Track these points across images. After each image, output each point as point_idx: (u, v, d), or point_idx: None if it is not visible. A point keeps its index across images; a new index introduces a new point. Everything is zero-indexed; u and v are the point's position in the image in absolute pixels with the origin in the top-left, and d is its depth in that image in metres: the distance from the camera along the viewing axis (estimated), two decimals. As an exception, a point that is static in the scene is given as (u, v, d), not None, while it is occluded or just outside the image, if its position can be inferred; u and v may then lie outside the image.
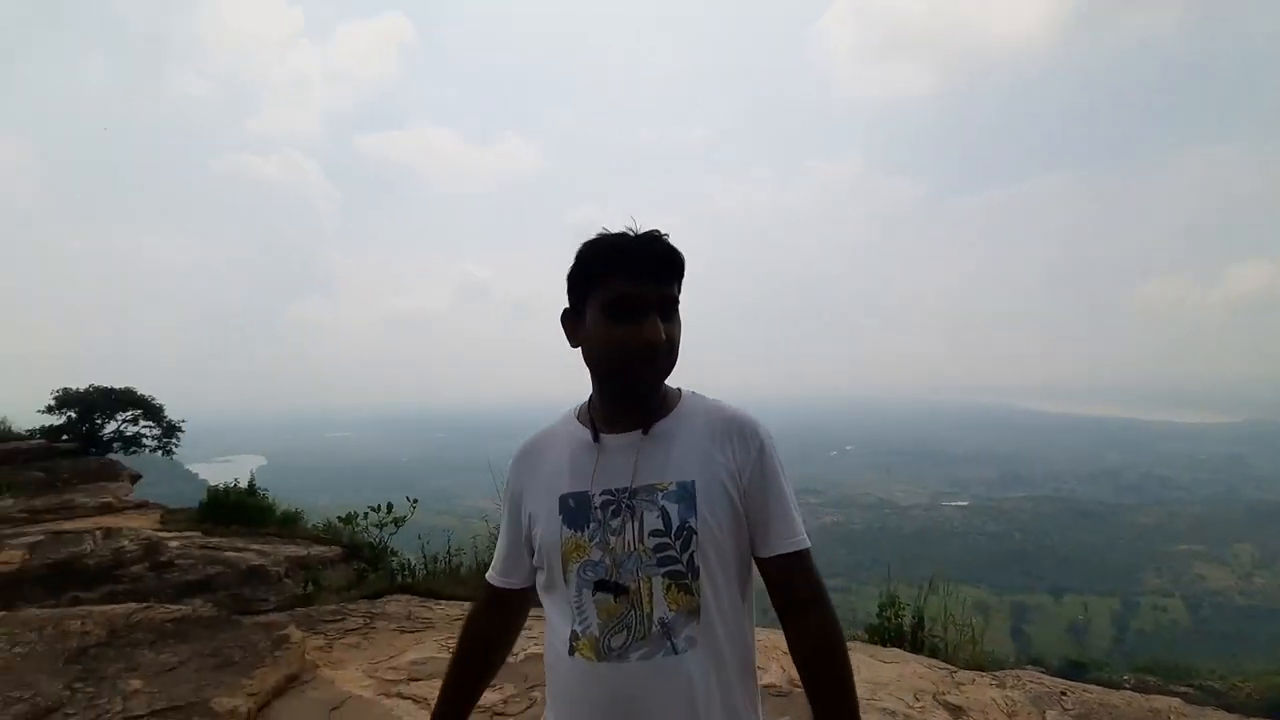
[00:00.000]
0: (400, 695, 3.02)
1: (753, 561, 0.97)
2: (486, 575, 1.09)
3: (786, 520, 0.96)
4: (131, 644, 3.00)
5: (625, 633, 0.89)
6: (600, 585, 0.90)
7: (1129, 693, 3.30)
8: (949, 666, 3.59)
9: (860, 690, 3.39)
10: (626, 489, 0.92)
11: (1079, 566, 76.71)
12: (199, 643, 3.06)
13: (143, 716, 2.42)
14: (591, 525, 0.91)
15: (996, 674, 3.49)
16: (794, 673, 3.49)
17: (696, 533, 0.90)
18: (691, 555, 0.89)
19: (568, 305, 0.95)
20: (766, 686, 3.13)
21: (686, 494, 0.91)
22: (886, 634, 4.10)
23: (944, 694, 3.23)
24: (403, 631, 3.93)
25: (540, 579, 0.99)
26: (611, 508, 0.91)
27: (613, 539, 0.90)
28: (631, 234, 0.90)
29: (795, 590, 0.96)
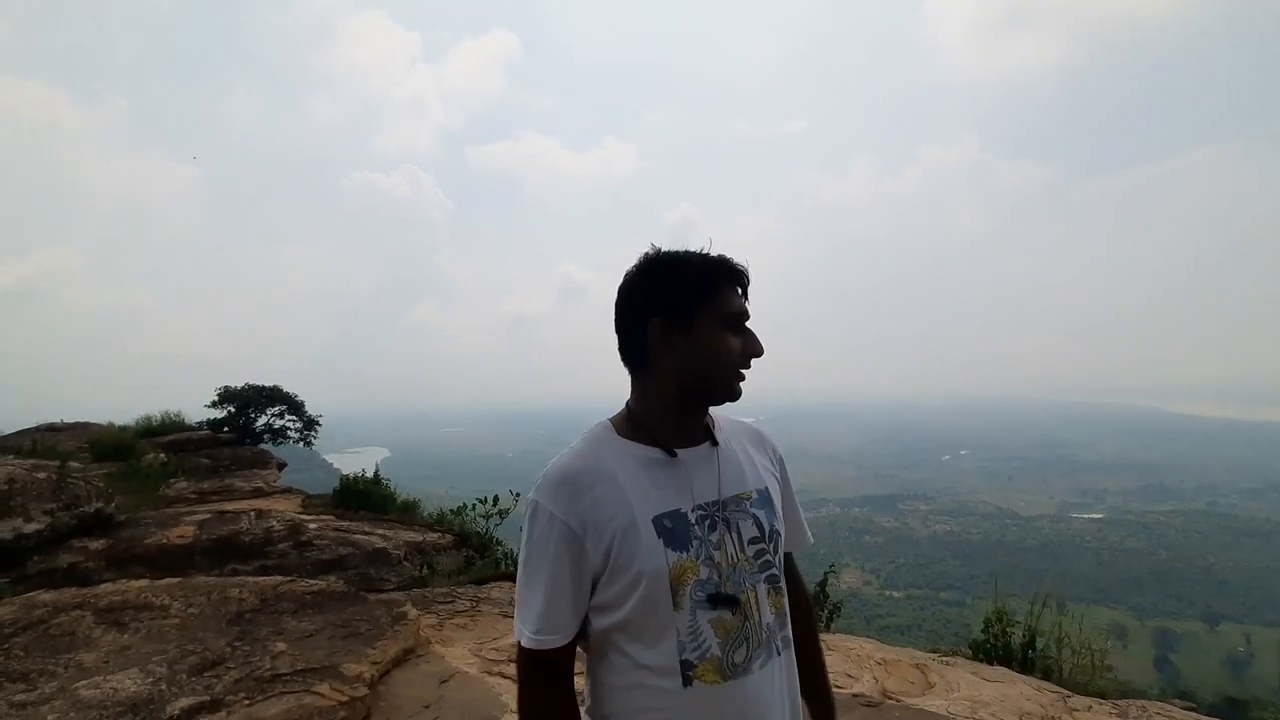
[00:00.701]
0: (501, 675, 3.26)
1: None
2: (525, 644, 0.89)
3: (801, 518, 1.09)
4: (278, 611, 3.44)
5: (745, 646, 0.90)
6: (715, 600, 0.88)
7: (1278, 735, 2.96)
8: (1062, 691, 3.37)
9: (959, 708, 3.26)
10: (717, 501, 0.93)
11: (1240, 592, 67.58)
12: (332, 614, 3.46)
13: (286, 675, 2.78)
14: (694, 543, 0.89)
15: (1119, 703, 3.24)
16: (886, 684, 3.42)
17: (780, 534, 0.99)
18: (779, 558, 0.98)
19: (659, 315, 0.92)
20: (856, 696, 3.09)
21: (767, 499, 0.99)
22: (993, 651, 3.90)
23: (1053, 718, 3.05)
24: (504, 616, 4.22)
25: (620, 616, 0.88)
26: (707, 522, 0.91)
27: (716, 553, 0.90)
28: (726, 256, 0.95)
29: (799, 579, 1.13)
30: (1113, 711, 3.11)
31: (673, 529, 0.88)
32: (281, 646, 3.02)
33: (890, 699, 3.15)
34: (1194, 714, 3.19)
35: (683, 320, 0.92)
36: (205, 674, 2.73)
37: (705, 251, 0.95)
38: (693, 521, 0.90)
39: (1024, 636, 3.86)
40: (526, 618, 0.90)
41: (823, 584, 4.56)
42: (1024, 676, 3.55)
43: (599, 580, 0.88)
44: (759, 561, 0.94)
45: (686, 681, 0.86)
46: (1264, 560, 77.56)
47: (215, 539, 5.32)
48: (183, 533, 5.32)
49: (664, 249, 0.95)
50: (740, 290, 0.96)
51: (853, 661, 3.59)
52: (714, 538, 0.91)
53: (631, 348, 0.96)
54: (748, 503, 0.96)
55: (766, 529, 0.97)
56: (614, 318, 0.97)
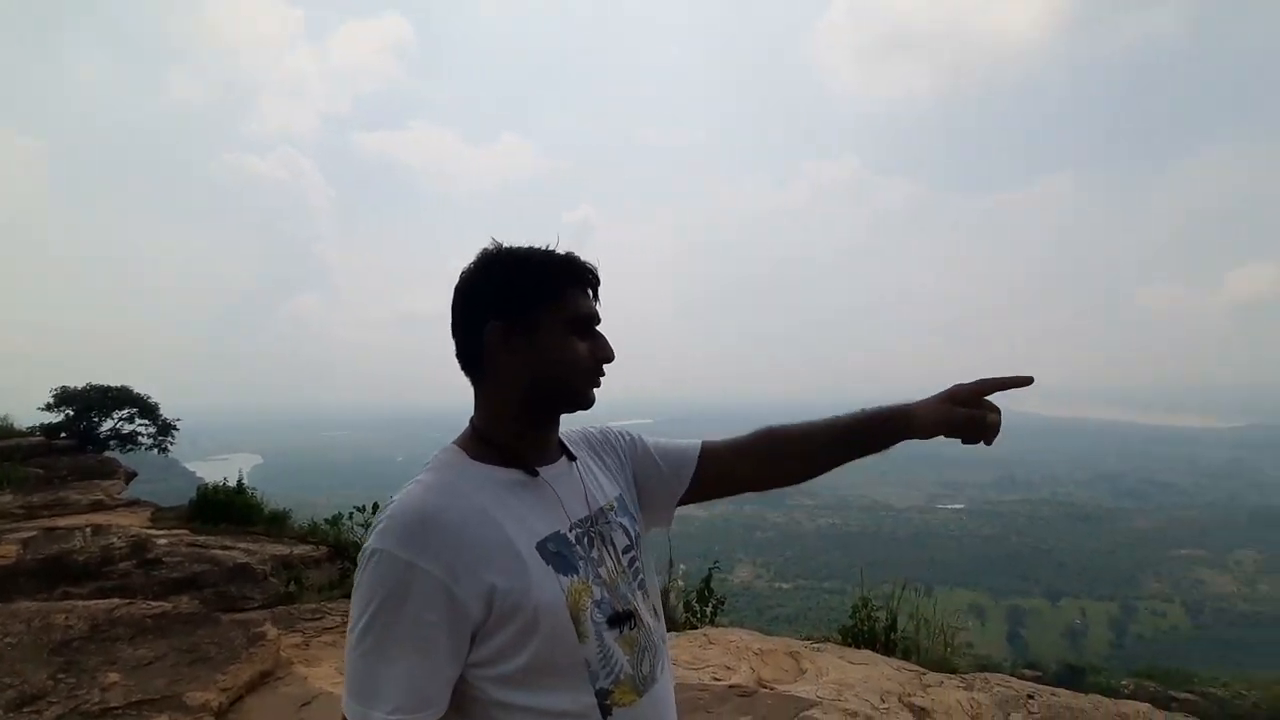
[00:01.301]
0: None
1: None
2: None
3: (680, 445, 1.08)
4: (111, 638, 3.08)
5: (647, 655, 0.87)
6: (615, 620, 0.84)
7: (1097, 696, 3.35)
8: (919, 669, 3.65)
9: (827, 691, 3.44)
10: (588, 516, 0.90)
11: (1076, 571, 76.72)
12: (177, 638, 3.14)
13: (119, 708, 2.49)
14: (581, 564, 0.84)
15: (965, 677, 3.55)
16: (762, 673, 3.56)
17: (642, 536, 0.98)
18: (645, 559, 0.96)
19: (498, 317, 0.85)
20: (732, 687, 3.20)
21: (624, 505, 0.98)
22: (859, 635, 4.17)
23: (910, 696, 3.29)
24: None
25: (515, 666, 0.75)
26: (585, 539, 0.87)
27: (601, 570, 0.86)
28: (574, 255, 0.90)
29: (728, 442, 1.09)
30: (960, 684, 3.40)
31: (558, 553, 0.82)
32: (114, 677, 2.71)
33: (765, 687, 3.28)
34: (1031, 683, 3.55)
35: (525, 323, 0.85)
36: (24, 709, 2.41)
37: (551, 249, 0.88)
38: (573, 541, 0.85)
39: (887, 620, 4.16)
40: (382, 695, 0.70)
41: (707, 580, 4.69)
42: (886, 658, 3.81)
43: (479, 632, 0.75)
44: (632, 569, 0.92)
45: (605, 712, 0.80)
46: (1094, 542, 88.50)
47: (43, 559, 4.70)
48: (4, 552, 4.66)
49: (505, 245, 0.88)
50: (590, 292, 0.90)
51: (732, 653, 3.71)
52: (595, 554, 0.87)
53: (469, 353, 0.89)
54: (613, 513, 0.94)
55: (633, 534, 0.96)
56: (451, 320, 0.89)
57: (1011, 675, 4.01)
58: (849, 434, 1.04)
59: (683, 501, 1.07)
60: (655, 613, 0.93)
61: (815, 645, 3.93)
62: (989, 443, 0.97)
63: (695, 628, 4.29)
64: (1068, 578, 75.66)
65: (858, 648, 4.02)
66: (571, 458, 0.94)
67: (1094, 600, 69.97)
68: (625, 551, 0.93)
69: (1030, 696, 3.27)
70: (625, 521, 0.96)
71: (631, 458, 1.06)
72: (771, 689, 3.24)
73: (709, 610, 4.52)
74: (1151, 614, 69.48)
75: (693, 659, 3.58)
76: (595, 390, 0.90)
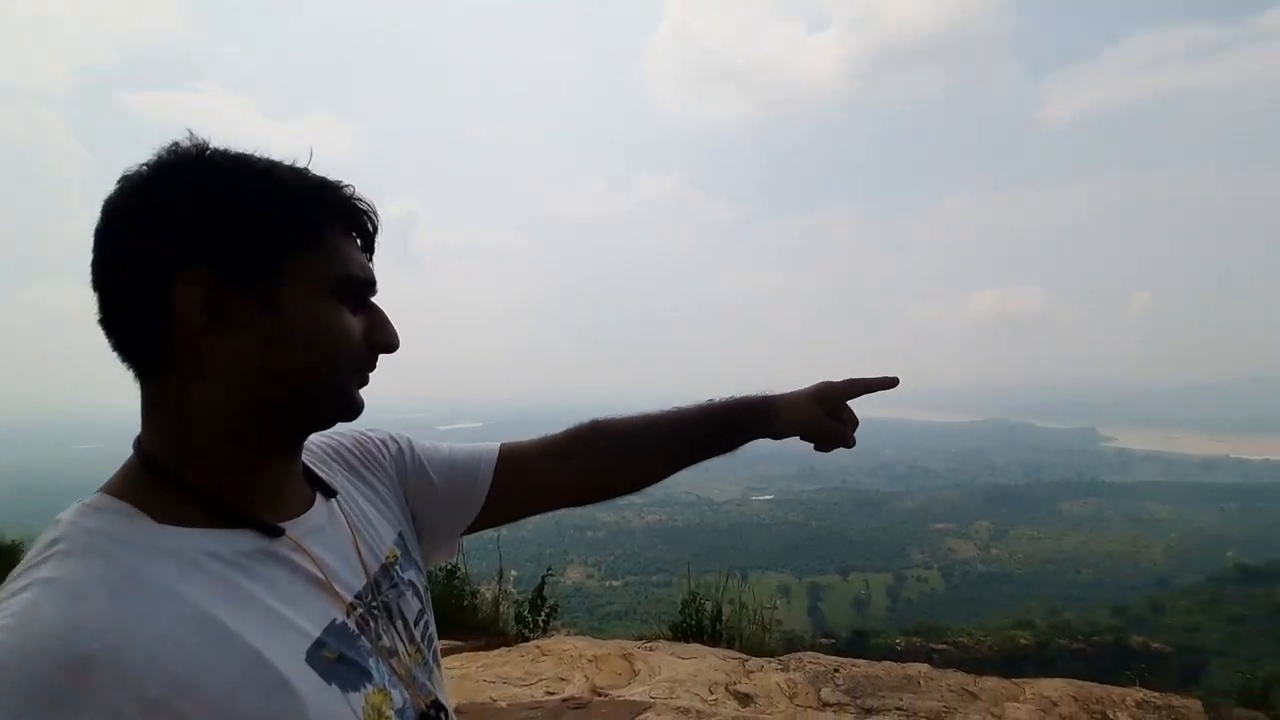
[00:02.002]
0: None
1: None
2: None
3: (470, 456, 0.78)
4: None
5: None
6: None
7: (889, 663, 3.70)
8: (742, 656, 3.80)
9: (659, 691, 3.41)
10: (368, 585, 0.60)
11: (862, 548, 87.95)
12: None
13: None
14: (373, 664, 0.56)
15: (782, 658, 3.75)
16: (596, 680, 3.48)
17: (427, 585, 0.71)
18: (431, 616, 0.70)
19: (204, 265, 0.49)
20: (566, 700, 3.07)
21: (405, 546, 0.69)
22: (689, 629, 4.26)
23: (735, 684, 3.40)
24: None
25: None
26: (371, 623, 0.58)
27: (394, 663, 0.59)
28: (338, 181, 0.56)
29: (544, 442, 0.84)
30: (778, 667, 3.59)
31: (340, 658, 0.53)
32: None
33: (599, 695, 3.20)
34: (835, 657, 3.85)
35: (255, 278, 0.51)
36: None
37: (299, 166, 0.54)
38: (356, 632, 0.56)
39: (713, 611, 4.30)
40: None
41: (539, 589, 4.51)
42: (713, 649, 3.93)
43: None
44: (426, 641, 0.65)
45: None
46: (876, 522, 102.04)
47: None
48: None
49: (210, 144, 0.52)
50: (361, 243, 0.59)
51: (566, 663, 3.59)
52: (386, 641, 0.59)
53: (135, 327, 0.51)
54: (397, 568, 0.65)
55: (421, 590, 0.68)
56: (93, 269, 0.50)
57: (815, 649, 4.38)
58: (697, 430, 0.86)
59: (476, 527, 0.78)
60: (442, 686, 0.66)
61: (647, 645, 3.94)
62: (827, 450, 0.90)
63: (527, 639, 4.10)
64: (856, 555, 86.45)
65: (687, 641, 4.10)
66: (329, 493, 0.62)
67: (874, 573, 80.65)
68: (418, 621, 0.65)
69: (837, 670, 3.54)
70: (412, 576, 0.67)
71: (402, 475, 0.73)
72: (606, 696, 3.17)
73: (542, 619, 4.35)
74: (917, 580, 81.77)
75: (525, 674, 3.41)
76: (362, 390, 0.58)
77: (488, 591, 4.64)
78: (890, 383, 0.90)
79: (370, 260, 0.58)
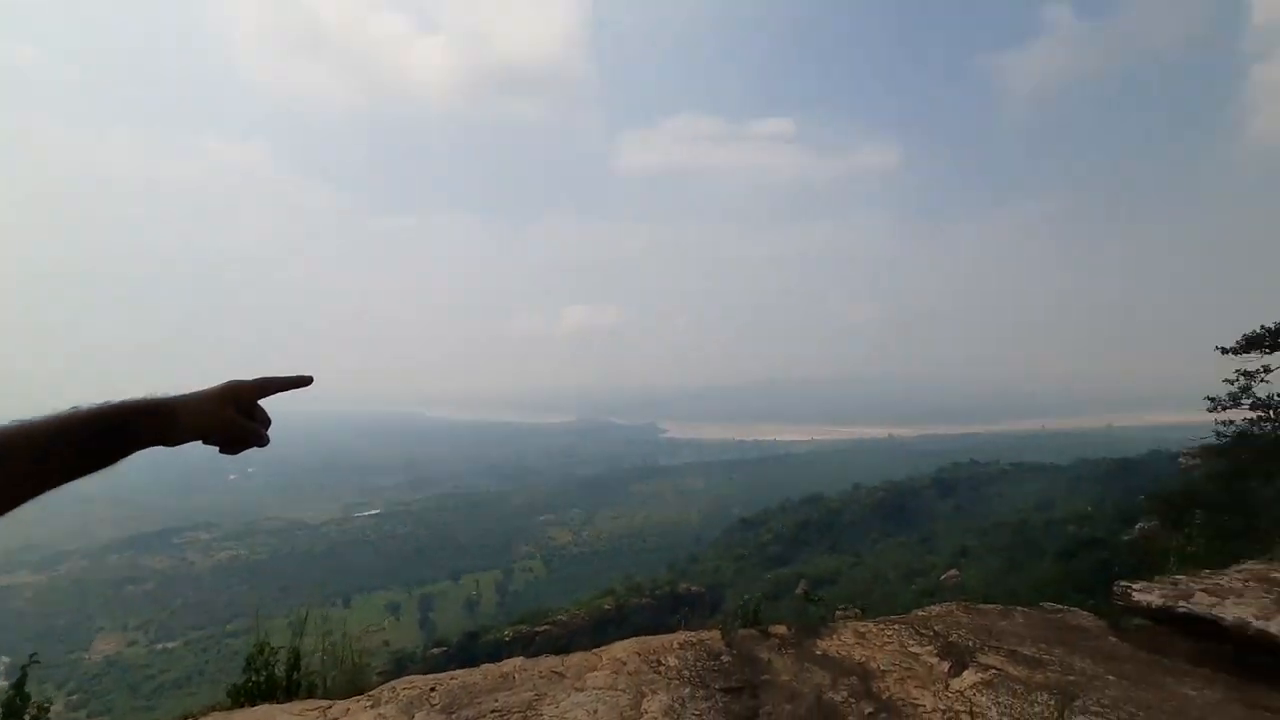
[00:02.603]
0: None
1: None
2: None
3: None
4: None
5: None
6: None
7: (486, 666, 3.75)
8: (324, 704, 3.37)
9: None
10: None
11: (473, 550, 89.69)
12: None
13: None
14: None
15: (373, 693, 3.46)
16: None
17: None
18: None
19: None
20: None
21: None
22: (255, 690, 3.57)
23: (313, 735, 3.01)
24: None
25: None
26: None
27: None
28: None
29: None
30: (368, 704, 3.28)
31: None
32: None
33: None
34: (433, 675, 3.73)
35: None
36: None
37: None
38: None
39: (289, 660, 3.68)
40: None
41: (19, 685, 3.17)
42: (286, 705, 3.39)
43: None
44: None
45: None
46: (486, 523, 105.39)
47: None
48: None
49: None
50: None
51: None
52: None
53: None
54: None
55: None
56: None
57: (426, 661, 4.19)
58: (65, 443, 0.75)
59: None
60: None
61: (188, 728, 3.20)
62: (235, 452, 0.88)
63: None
64: (466, 558, 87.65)
65: (254, 704, 3.46)
66: None
67: (484, 572, 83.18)
68: None
69: (432, 689, 3.41)
70: None
71: None
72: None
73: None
74: (523, 571, 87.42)
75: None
76: None
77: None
78: (303, 381, 0.88)
79: None
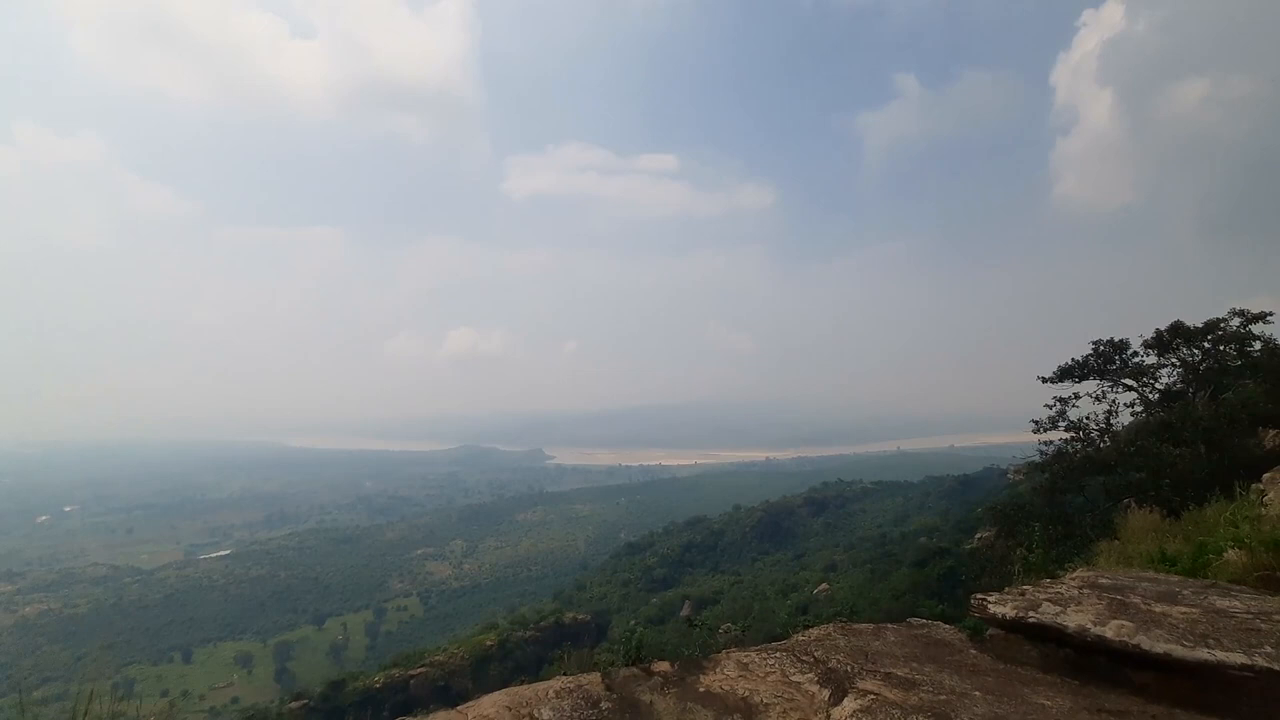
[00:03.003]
0: None
1: None
2: None
3: None
4: None
5: None
6: None
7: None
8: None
9: None
10: None
11: (339, 590, 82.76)
12: None
13: None
14: None
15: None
16: None
17: None
18: None
19: None
20: None
21: None
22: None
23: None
24: None
25: None
26: None
27: None
28: None
29: None
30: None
31: None
32: None
33: None
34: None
35: None
36: None
37: None
38: None
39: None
40: None
41: None
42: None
43: None
44: None
45: None
46: (356, 560, 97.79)
47: None
48: None
49: None
50: None
51: None
52: None
53: None
54: None
55: None
56: None
57: (278, 715, 3.63)
58: None
59: None
60: None
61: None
62: None
63: None
64: (332, 599, 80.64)
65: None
66: None
67: (353, 613, 76.87)
68: None
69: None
70: None
71: None
72: None
73: None
74: (397, 610, 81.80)
75: None
76: None
77: None
78: None
79: None
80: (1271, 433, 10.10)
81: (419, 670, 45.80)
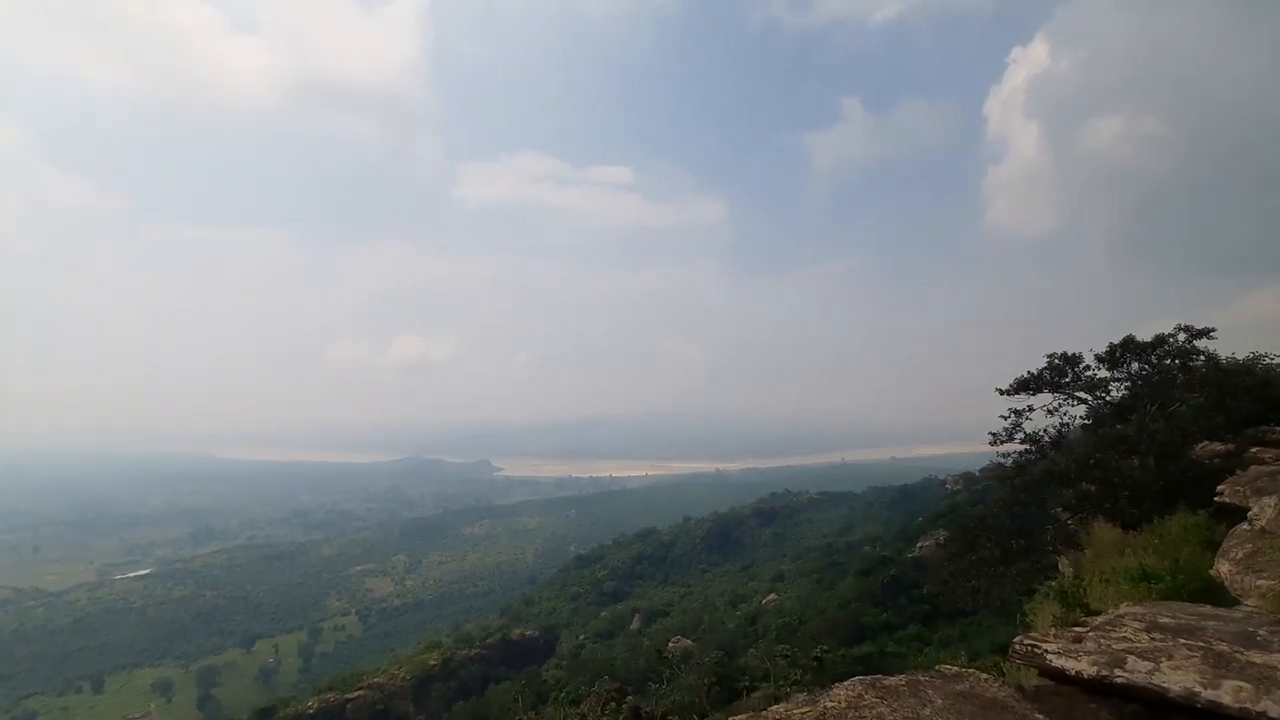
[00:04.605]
0: None
1: None
2: None
3: None
4: None
5: None
6: None
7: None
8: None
9: None
10: None
11: (270, 610, 78.56)
12: None
13: None
14: None
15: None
16: None
17: None
18: None
19: None
20: None
21: None
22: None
23: None
24: None
25: None
26: None
27: None
28: None
29: None
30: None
31: None
32: None
33: None
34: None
35: None
36: None
37: None
38: None
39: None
40: None
41: None
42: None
43: None
44: None
45: None
46: (289, 577, 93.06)
47: None
48: None
49: None
50: None
51: None
52: None
53: None
54: None
55: None
56: None
57: None
58: None
59: None
60: None
61: None
62: None
63: None
64: (263, 619, 76.40)
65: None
66: None
67: (286, 634, 73.00)
68: None
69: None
70: None
71: None
72: None
73: None
74: (334, 630, 78.17)
75: None
76: None
77: None
78: None
79: None
80: (1209, 445, 10.57)
81: (356, 693, 43.54)
